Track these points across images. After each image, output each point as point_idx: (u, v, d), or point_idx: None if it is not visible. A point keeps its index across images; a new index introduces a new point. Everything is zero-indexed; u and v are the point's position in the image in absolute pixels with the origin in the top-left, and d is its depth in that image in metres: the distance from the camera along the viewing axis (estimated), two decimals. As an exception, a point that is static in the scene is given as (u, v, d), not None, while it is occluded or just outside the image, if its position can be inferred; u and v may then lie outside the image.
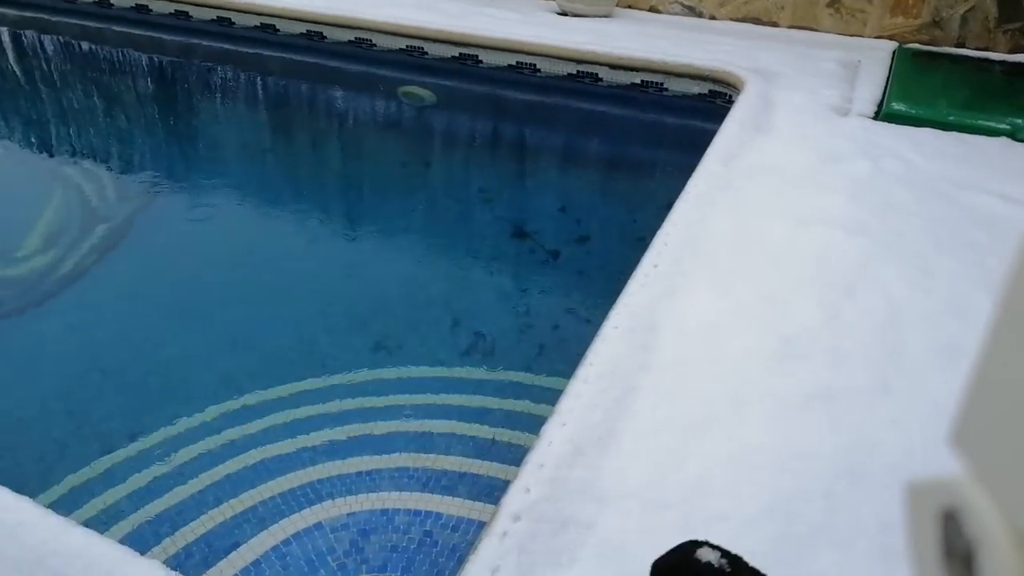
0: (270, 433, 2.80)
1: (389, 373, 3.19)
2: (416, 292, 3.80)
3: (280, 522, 2.25)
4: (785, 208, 3.20)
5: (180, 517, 2.38)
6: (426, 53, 5.66)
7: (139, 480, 2.68)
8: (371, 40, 5.78)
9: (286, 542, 2.23)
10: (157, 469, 2.71)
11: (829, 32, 5.76)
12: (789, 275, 2.65)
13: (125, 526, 2.32)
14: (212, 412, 2.98)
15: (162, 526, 2.30)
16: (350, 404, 2.95)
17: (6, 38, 7.20)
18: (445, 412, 2.89)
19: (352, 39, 5.83)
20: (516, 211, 4.66)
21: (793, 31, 5.83)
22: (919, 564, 0.26)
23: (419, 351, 3.32)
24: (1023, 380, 0.24)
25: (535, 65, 5.39)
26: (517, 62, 5.43)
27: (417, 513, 2.22)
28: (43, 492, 2.54)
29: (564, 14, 5.93)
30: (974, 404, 0.26)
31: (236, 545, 2.22)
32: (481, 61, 5.53)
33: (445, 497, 2.28)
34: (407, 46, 5.68)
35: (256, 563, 2.18)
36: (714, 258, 2.71)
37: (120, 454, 2.81)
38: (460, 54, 5.55)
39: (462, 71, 5.61)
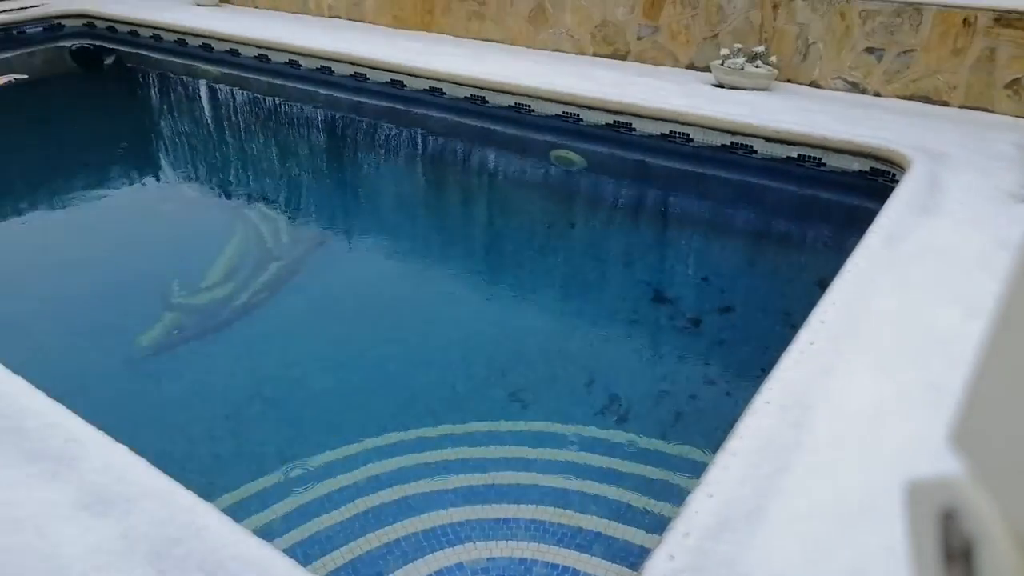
0: (411, 472, 2.91)
1: (524, 425, 3.24)
2: (555, 349, 3.86)
3: (424, 558, 2.32)
4: (954, 294, 3.02)
5: (328, 542, 2.51)
6: (581, 119, 5.84)
7: (287, 505, 2.87)
8: (530, 106, 6.05)
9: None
10: (304, 495, 2.88)
11: (1006, 115, 5.43)
12: (958, 364, 2.49)
13: (279, 545, 2.47)
14: (357, 446, 3.15)
15: (312, 547, 2.43)
16: (487, 452, 3.02)
17: (204, 91, 8.14)
18: (580, 470, 2.89)
19: (512, 104, 6.13)
20: (659, 276, 4.65)
21: (965, 111, 5.54)
22: (919, 564, 0.26)
23: (554, 407, 3.36)
24: (1023, 380, 0.24)
25: (688, 135, 5.43)
26: (670, 131, 5.49)
27: (554, 567, 2.22)
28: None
29: (720, 86, 5.96)
30: (974, 404, 0.26)
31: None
32: (634, 129, 5.64)
33: (581, 555, 2.28)
34: (563, 112, 5.89)
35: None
36: (875, 340, 2.59)
37: (272, 477, 3.02)
38: (614, 121, 5.69)
39: (615, 138, 5.75)
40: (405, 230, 5.22)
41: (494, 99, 6.24)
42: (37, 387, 2.49)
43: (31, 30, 8.80)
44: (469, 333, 4.03)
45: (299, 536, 2.51)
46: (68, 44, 9.00)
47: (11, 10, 8.85)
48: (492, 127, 6.37)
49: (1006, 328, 0.24)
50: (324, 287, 4.51)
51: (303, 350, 3.87)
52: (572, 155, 5.83)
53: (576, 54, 6.90)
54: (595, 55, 6.81)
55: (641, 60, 6.61)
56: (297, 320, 4.18)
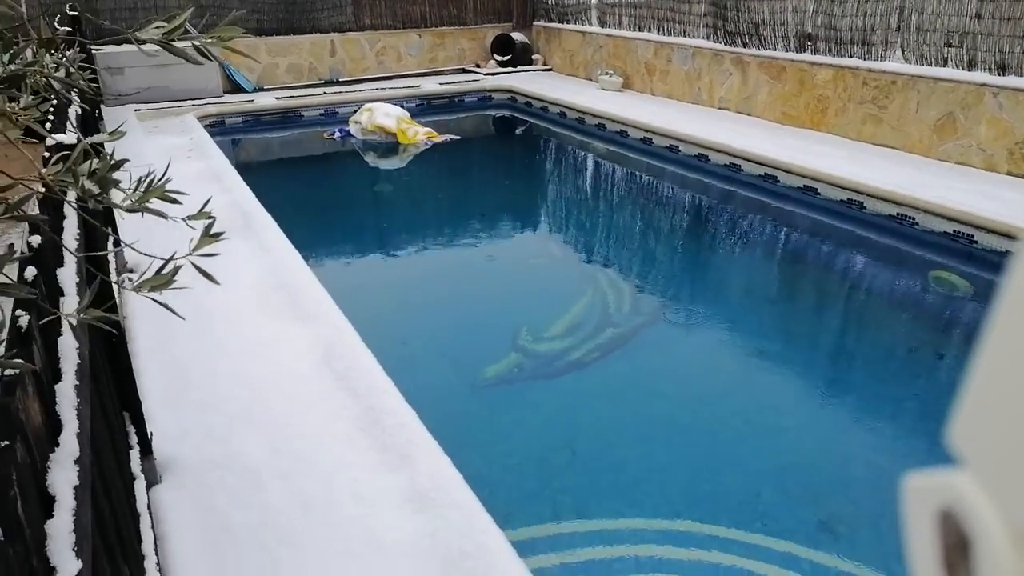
0: (692, 568, 2.85)
1: (825, 557, 2.95)
2: (881, 480, 3.45)
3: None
4: None
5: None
6: (975, 241, 5.17)
7: (570, 556, 3.01)
8: (915, 218, 5.54)
9: None
10: (587, 553, 3.00)
11: None
12: None
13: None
14: (647, 523, 3.17)
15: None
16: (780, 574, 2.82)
17: (591, 163, 8.96)
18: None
19: (894, 214, 5.67)
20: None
21: None
22: (918, 563, 0.25)
23: (873, 545, 3.00)
24: (1023, 380, 0.23)
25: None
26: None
27: None
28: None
29: None
30: (974, 402, 0.25)
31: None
32: (1043, 262, 4.80)
33: None
34: (954, 230, 5.28)
35: None
36: None
37: (564, 526, 3.19)
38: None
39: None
40: (746, 324, 5.12)
41: (873, 206, 5.83)
42: (400, 391, 3.00)
43: (468, 99, 10.63)
44: (787, 447, 3.80)
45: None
46: (492, 113, 10.68)
47: (457, 82, 10.82)
48: (866, 234, 5.95)
49: (1006, 327, 0.24)
50: (651, 362, 4.63)
51: (618, 416, 4.02)
52: (955, 278, 5.16)
53: (984, 170, 6.13)
54: (1010, 174, 5.98)
55: (1071, 185, 5.62)
56: (619, 386, 4.36)
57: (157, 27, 0.90)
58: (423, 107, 9.92)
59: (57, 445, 0.87)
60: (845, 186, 6.02)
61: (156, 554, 1.86)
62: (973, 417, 0.25)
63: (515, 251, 6.63)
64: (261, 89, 10.19)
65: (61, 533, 0.73)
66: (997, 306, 0.25)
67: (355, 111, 8.83)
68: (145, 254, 1.11)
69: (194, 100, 8.94)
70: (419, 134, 8.37)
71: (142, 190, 0.99)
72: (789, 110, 7.77)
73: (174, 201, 1.00)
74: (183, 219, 1.01)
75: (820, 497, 3.35)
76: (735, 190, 7.13)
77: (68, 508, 0.77)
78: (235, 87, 9.99)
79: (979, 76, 6.21)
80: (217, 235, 1.01)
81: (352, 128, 8.59)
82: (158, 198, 0.99)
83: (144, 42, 0.92)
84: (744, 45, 8.30)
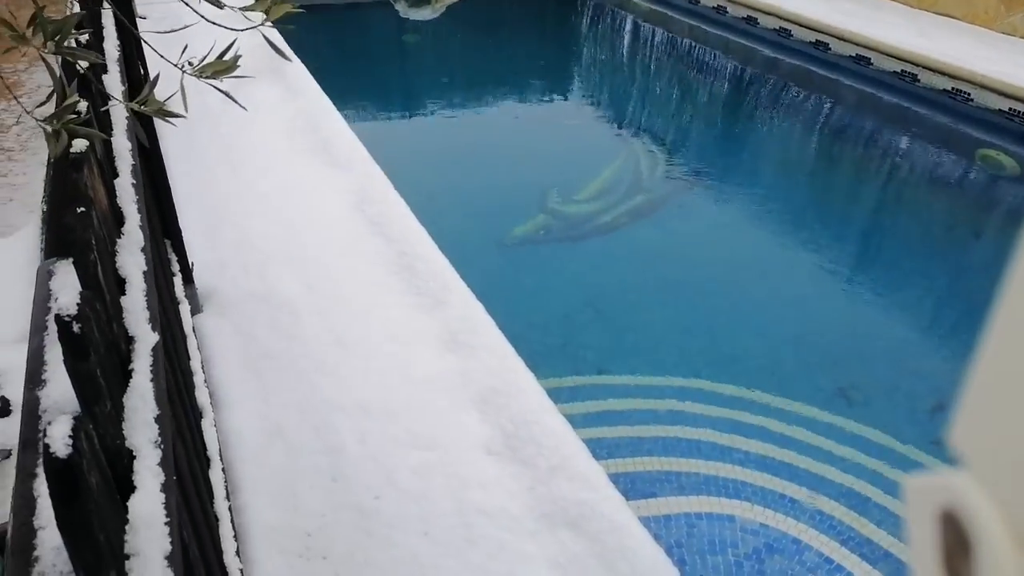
0: (707, 420, 2.96)
1: (843, 422, 3.05)
2: (901, 352, 3.50)
3: (688, 497, 2.40)
4: None
5: (615, 449, 2.72)
6: (1030, 120, 4.94)
7: (590, 407, 3.13)
8: (969, 93, 5.28)
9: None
10: (605, 404, 3.11)
11: None
12: None
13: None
14: (664, 380, 3.27)
15: (598, 449, 2.64)
16: (797, 432, 2.93)
17: (630, 25, 8.52)
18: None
19: (948, 88, 5.40)
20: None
21: None
22: (918, 563, 0.26)
23: (884, 414, 3.09)
24: (1023, 379, 0.23)
25: None
26: None
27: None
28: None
29: None
30: (974, 402, 0.25)
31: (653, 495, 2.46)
32: (1100, 145, 4.61)
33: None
34: (1010, 108, 5.03)
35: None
36: None
37: (584, 379, 3.30)
38: (1074, 131, 4.71)
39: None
40: (777, 196, 5.02)
41: (928, 79, 5.55)
42: (433, 241, 3.02)
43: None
44: (808, 315, 3.83)
45: (590, 435, 2.74)
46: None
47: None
48: (915, 108, 5.69)
49: (1006, 326, 0.24)
50: (678, 230, 4.60)
51: (642, 280, 4.05)
52: (1003, 157, 4.98)
53: (1053, 44, 5.76)
54: (1079, 49, 5.62)
55: None
56: (645, 251, 4.36)
57: None
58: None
59: (122, 234, 0.88)
60: (900, 56, 5.70)
61: (203, 372, 1.94)
62: (974, 417, 0.25)
63: (548, 112, 6.45)
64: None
65: (136, 307, 0.75)
66: (998, 305, 0.24)
67: (386, -45, 8.35)
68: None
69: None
70: (451, -18, 7.94)
71: None
72: (848, -29, 7.23)
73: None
74: (240, 9, 0.96)
75: (839, 365, 3.41)
76: (782, 58, 6.78)
77: (139, 288, 0.79)
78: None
79: (1063, -61, 5.71)
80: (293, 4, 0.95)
81: (382, -28, 8.16)
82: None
83: None
84: None
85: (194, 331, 2.05)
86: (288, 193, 3.30)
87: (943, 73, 5.42)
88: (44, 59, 0.76)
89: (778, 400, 3.12)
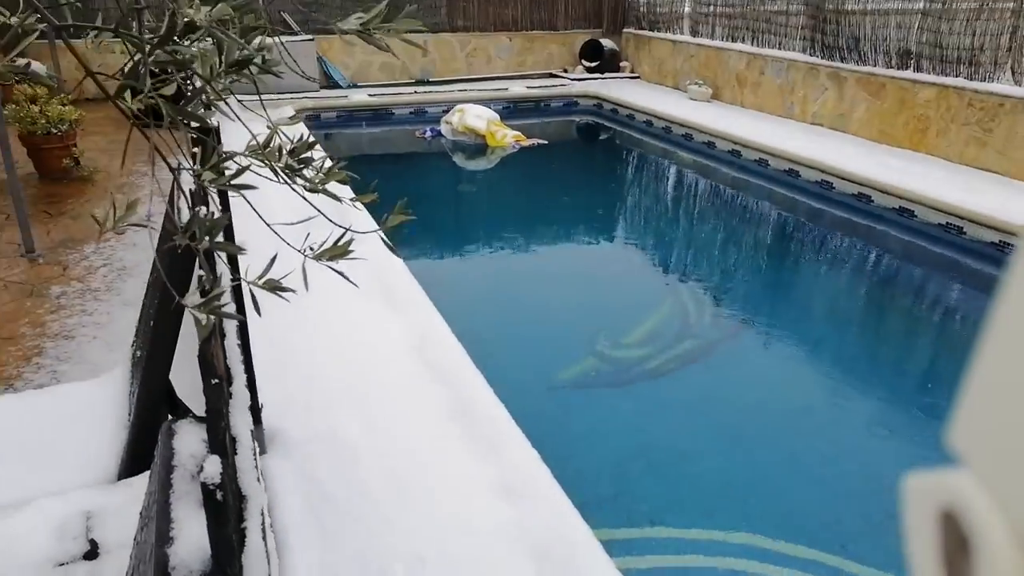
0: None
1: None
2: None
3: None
4: None
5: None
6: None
7: (646, 562, 3.03)
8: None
9: None
10: (661, 560, 3.01)
11: None
12: None
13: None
14: (723, 535, 3.17)
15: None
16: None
17: (673, 173, 8.90)
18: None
19: (996, 240, 5.46)
20: None
21: None
22: (918, 563, 0.26)
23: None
24: (1022, 379, 0.22)
25: None
26: None
27: None
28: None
29: None
30: (974, 401, 0.25)
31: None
32: None
33: None
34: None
35: None
36: None
37: (638, 531, 3.21)
38: None
39: None
40: (826, 343, 5.01)
41: (974, 231, 5.62)
42: (488, 386, 3.09)
43: (555, 104, 10.72)
44: (870, 469, 3.71)
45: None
46: (578, 119, 10.72)
47: (544, 87, 10.91)
48: (966, 261, 5.73)
49: (1006, 326, 0.24)
50: (729, 376, 4.59)
51: (693, 428, 4.01)
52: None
53: (1099, 200, 5.82)
54: None
55: None
56: (695, 398, 4.34)
57: (357, 18, 0.99)
58: (510, 110, 10.05)
59: (231, 395, 0.97)
60: (944, 209, 5.82)
61: (266, 515, 1.98)
62: (973, 416, 0.25)
63: (596, 257, 6.66)
64: (355, 86, 10.52)
65: (247, 466, 0.82)
66: (997, 305, 0.25)
67: (445, 111, 9.02)
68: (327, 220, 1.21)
69: (292, 93, 9.31)
70: (507, 137, 8.49)
71: (323, 172, 1.09)
72: (887, 128, 7.54)
73: (346, 183, 1.09)
74: (350, 200, 1.10)
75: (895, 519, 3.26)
76: (825, 208, 6.97)
77: (248, 447, 0.86)
78: (331, 83, 10.35)
79: (1098, 102, 5.91)
80: (405, 213, 1.09)
81: (443, 128, 8.78)
82: (338, 181, 1.09)
83: (345, 32, 1.01)
84: (842, 60, 8.11)
85: (262, 475, 2.11)
86: (351, 333, 3.45)
87: (988, 226, 5.49)
88: (196, 251, 0.88)
89: (842, 562, 2.99)
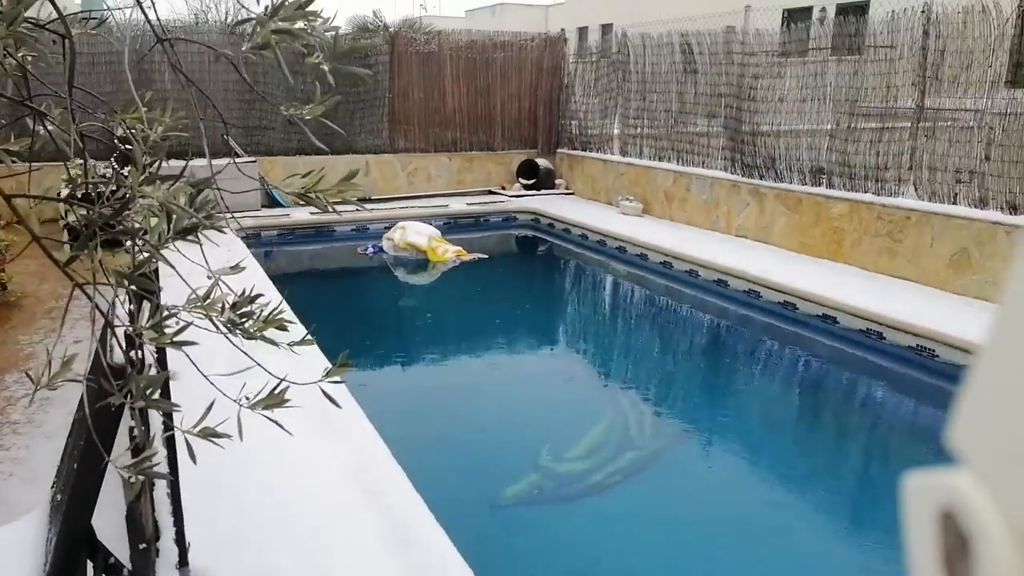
0: None
1: None
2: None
3: None
4: None
5: None
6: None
7: None
8: (934, 350, 5.62)
9: None
10: None
11: None
12: None
13: None
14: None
15: None
16: None
17: (609, 284, 9.18)
18: None
19: (914, 345, 5.75)
20: None
21: None
22: (918, 563, 0.26)
23: None
24: (1023, 379, 0.23)
25: None
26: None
27: None
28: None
29: None
30: (974, 402, 0.25)
31: None
32: None
33: None
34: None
35: None
36: None
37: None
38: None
39: None
40: (765, 449, 5.10)
41: (893, 336, 5.92)
42: (430, 510, 3.03)
43: (494, 220, 11.06)
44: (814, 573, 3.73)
45: None
46: (517, 233, 11.05)
47: (483, 203, 11.28)
48: (887, 365, 6.00)
49: (1006, 327, 0.24)
50: (672, 486, 4.61)
51: (639, 542, 3.98)
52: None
53: (1002, 304, 6.23)
54: (1027, 309, 6.07)
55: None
56: (640, 511, 4.32)
57: (301, 180, 1.06)
58: (450, 226, 10.30)
59: (159, 552, 0.95)
60: (864, 316, 6.13)
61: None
62: (973, 417, 0.25)
63: (538, 368, 6.72)
64: (297, 204, 10.67)
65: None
66: (997, 308, 0.25)
67: (387, 228, 9.20)
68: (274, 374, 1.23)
69: (233, 214, 9.35)
70: (449, 252, 8.67)
71: (261, 320, 1.13)
72: (806, 240, 8.01)
73: (284, 329, 1.13)
74: (288, 345, 1.13)
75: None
76: (754, 316, 7.26)
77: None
78: (272, 202, 10.48)
79: (992, 215, 6.44)
80: (347, 363, 1.12)
81: (385, 244, 8.93)
82: (277, 328, 1.13)
83: (288, 193, 1.08)
84: (761, 177, 8.67)
85: (186, 620, 2.00)
86: (286, 460, 3.36)
87: (906, 331, 5.80)
88: (132, 410, 0.90)
89: None
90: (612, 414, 5.58)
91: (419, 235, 8.60)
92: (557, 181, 12.30)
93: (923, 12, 7.09)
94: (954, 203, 6.82)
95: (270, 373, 1.15)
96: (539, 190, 11.93)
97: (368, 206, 10.81)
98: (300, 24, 0.88)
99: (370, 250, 9.06)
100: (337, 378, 1.06)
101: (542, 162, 12.14)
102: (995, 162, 6.51)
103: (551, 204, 11.06)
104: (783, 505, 4.44)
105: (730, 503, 4.44)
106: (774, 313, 7.00)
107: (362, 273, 9.13)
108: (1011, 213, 6.35)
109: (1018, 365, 0.24)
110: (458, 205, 11.04)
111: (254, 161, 9.32)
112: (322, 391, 1.14)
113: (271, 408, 1.01)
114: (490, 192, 12.06)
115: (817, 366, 6.54)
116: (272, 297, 6.03)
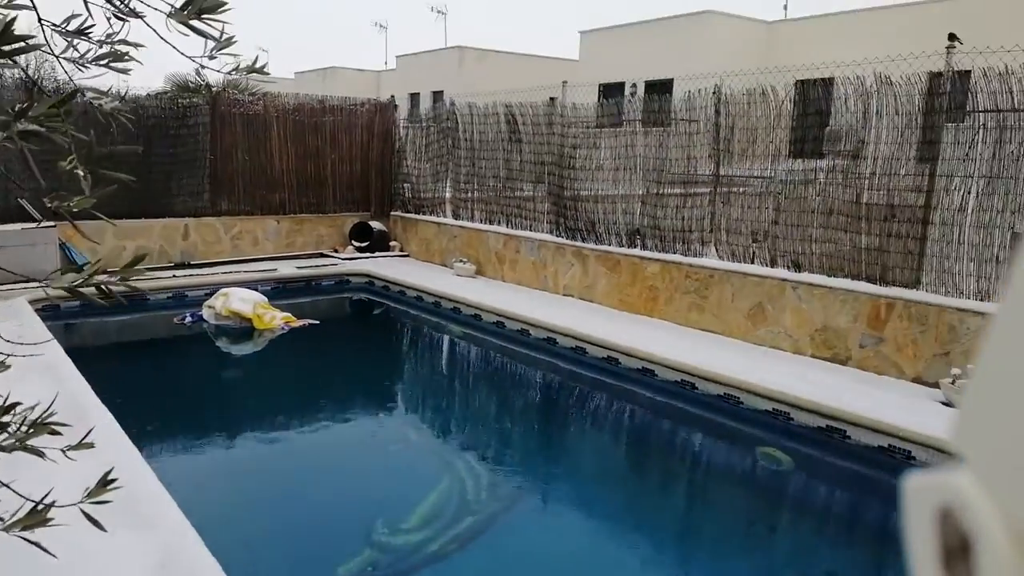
0: None
1: None
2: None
3: None
4: None
5: None
6: (791, 419, 5.75)
7: None
8: (739, 398, 6.10)
9: None
10: None
11: None
12: None
13: None
14: None
15: None
16: None
17: (446, 345, 9.22)
18: None
19: (722, 394, 6.22)
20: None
21: None
22: (918, 562, 0.26)
23: None
24: (1022, 380, 0.23)
25: (910, 452, 5.09)
26: (889, 444, 5.19)
27: None
28: None
29: (950, 405, 5.61)
30: (974, 403, 0.25)
31: None
32: (849, 437, 5.41)
33: None
34: (773, 408, 5.85)
35: None
36: None
37: None
38: (827, 426, 5.53)
39: (826, 443, 5.54)
40: (600, 506, 5.27)
41: (704, 387, 6.38)
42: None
43: (326, 283, 10.80)
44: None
45: None
46: (351, 296, 10.86)
47: (315, 266, 11.01)
48: (700, 413, 6.45)
49: (1005, 329, 0.24)
50: (511, 550, 4.62)
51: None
52: (779, 453, 5.66)
53: (793, 353, 6.95)
54: (813, 356, 6.81)
55: (862, 367, 6.47)
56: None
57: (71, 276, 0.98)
58: (279, 290, 9.94)
59: None
60: (677, 368, 6.58)
61: None
62: (973, 417, 0.25)
63: (371, 438, 6.55)
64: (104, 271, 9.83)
65: None
66: (998, 309, 0.25)
67: (208, 295, 8.70)
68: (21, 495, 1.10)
69: (26, 284, 8.47)
70: (276, 319, 8.33)
71: (24, 427, 1.02)
72: (625, 298, 8.52)
73: (56, 433, 1.03)
74: (63, 449, 1.03)
75: None
76: (581, 372, 7.56)
77: None
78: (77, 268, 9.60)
79: (780, 272, 7.20)
80: (111, 481, 1.03)
81: (205, 313, 8.42)
82: (49, 433, 1.01)
83: (56, 288, 1.00)
84: (583, 240, 9.17)
85: None
86: (77, 564, 3.02)
87: (714, 381, 6.28)
88: None
89: None
90: (449, 479, 5.53)
91: (243, 302, 8.21)
92: (392, 243, 12.29)
93: (714, 93, 7.94)
94: (751, 262, 7.57)
95: (14, 491, 1.04)
96: (373, 252, 11.85)
97: (185, 272, 10.20)
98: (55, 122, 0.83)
99: (188, 319, 8.51)
100: (101, 498, 0.97)
101: (376, 224, 12.10)
102: (781, 225, 7.33)
103: (385, 266, 11.01)
104: (617, 556, 4.58)
105: (569, 558, 4.52)
106: (600, 368, 7.33)
107: (179, 345, 8.54)
108: (795, 271, 7.15)
109: (1017, 366, 0.24)
110: (287, 269, 10.70)
111: (54, 226, 8.53)
112: (83, 512, 1.04)
113: (30, 529, 0.91)
114: (322, 255, 11.81)
115: (641, 417, 6.90)
116: (69, 377, 5.48)
